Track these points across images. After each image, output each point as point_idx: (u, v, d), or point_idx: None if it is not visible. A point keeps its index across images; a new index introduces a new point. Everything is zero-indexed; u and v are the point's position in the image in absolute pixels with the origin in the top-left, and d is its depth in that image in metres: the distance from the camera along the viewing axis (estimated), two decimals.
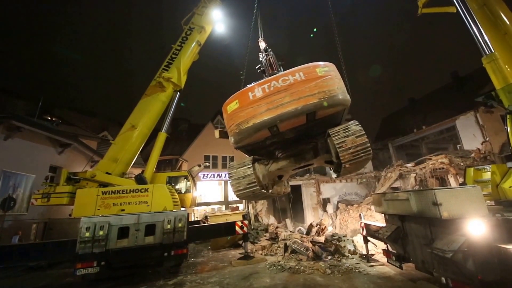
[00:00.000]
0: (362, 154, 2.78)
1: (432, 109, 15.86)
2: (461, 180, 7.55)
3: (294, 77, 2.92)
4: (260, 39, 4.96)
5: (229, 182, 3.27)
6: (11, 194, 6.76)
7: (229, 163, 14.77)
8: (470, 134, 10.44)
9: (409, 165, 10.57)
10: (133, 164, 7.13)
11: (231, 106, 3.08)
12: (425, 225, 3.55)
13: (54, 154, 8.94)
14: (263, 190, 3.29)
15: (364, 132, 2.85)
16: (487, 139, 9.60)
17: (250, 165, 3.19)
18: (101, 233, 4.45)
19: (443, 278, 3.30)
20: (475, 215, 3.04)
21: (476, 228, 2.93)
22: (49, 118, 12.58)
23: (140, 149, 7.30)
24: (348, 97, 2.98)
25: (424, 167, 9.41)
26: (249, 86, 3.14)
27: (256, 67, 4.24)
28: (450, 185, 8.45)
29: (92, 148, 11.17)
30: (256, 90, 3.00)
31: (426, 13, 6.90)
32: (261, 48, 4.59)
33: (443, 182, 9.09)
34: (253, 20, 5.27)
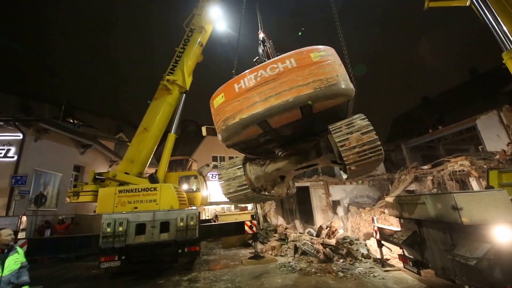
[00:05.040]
0: (370, 154, 2.33)
1: (448, 108, 15.10)
2: (484, 183, 7.10)
3: (284, 65, 2.49)
4: (259, 31, 4.69)
5: (219, 184, 2.98)
6: (42, 191, 7.33)
7: None
8: (493, 135, 9.78)
9: (425, 167, 10.10)
10: (149, 164, 7.47)
11: (217, 100, 2.76)
12: (445, 230, 3.40)
13: (77, 154, 9.59)
14: (262, 192, 3.00)
15: (372, 128, 2.40)
16: None
17: (240, 166, 2.88)
18: (120, 229, 4.70)
19: (466, 287, 3.15)
20: (501, 221, 2.88)
21: (503, 234, 2.77)
22: (71, 121, 13.47)
23: (154, 150, 7.62)
24: (351, 86, 2.53)
25: (442, 170, 8.95)
26: (235, 77, 2.78)
27: (254, 60, 3.96)
28: (472, 189, 7.97)
29: (110, 148, 11.82)
30: (242, 81, 2.62)
31: (433, 7, 6.32)
32: (259, 39, 4.36)
33: (464, 185, 8.59)
34: (243, 9, 5.02)
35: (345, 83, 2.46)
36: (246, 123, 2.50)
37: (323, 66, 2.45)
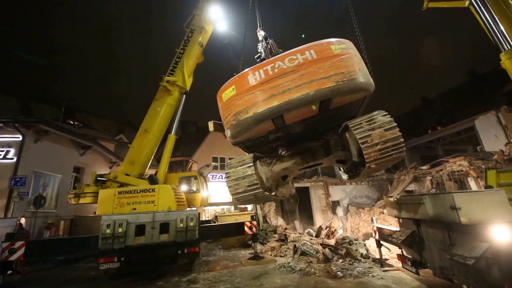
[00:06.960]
0: (392, 152, 2.23)
1: (447, 108, 15.19)
2: (482, 183, 7.13)
3: (303, 56, 2.36)
4: (258, 29, 4.65)
5: (226, 183, 2.78)
6: (42, 192, 7.31)
7: None
8: (492, 135, 9.85)
9: (424, 167, 10.13)
10: (149, 165, 7.47)
11: (227, 93, 2.58)
12: (443, 230, 3.42)
13: (77, 155, 9.58)
14: (267, 193, 2.88)
15: (395, 124, 2.28)
16: None
17: (251, 164, 2.68)
18: (120, 230, 4.69)
19: (464, 286, 3.16)
20: (500, 220, 2.90)
21: (501, 234, 2.79)
22: (71, 122, 13.48)
23: (155, 151, 7.62)
24: (371, 81, 2.44)
25: (441, 170, 8.98)
26: (248, 68, 2.62)
27: (256, 56, 3.83)
28: (470, 189, 8.00)
29: (110, 150, 11.82)
30: (257, 73, 2.46)
31: (432, 7, 6.32)
32: (259, 37, 4.28)
33: (462, 185, 8.62)
34: (249, 8, 5.05)
35: (366, 77, 2.38)
36: (261, 117, 2.33)
37: (345, 59, 2.33)
